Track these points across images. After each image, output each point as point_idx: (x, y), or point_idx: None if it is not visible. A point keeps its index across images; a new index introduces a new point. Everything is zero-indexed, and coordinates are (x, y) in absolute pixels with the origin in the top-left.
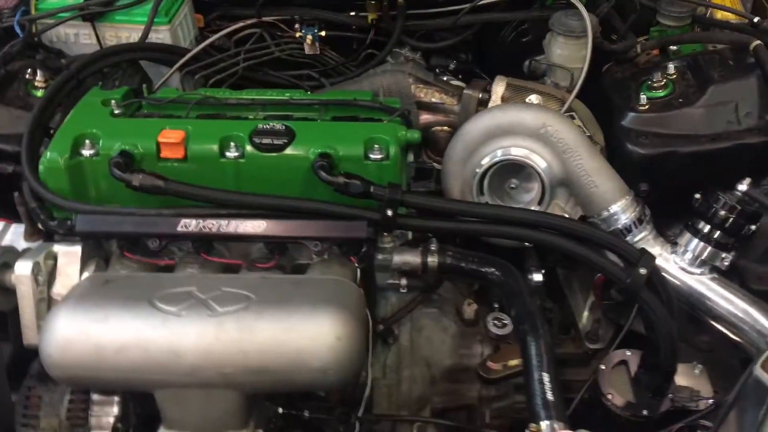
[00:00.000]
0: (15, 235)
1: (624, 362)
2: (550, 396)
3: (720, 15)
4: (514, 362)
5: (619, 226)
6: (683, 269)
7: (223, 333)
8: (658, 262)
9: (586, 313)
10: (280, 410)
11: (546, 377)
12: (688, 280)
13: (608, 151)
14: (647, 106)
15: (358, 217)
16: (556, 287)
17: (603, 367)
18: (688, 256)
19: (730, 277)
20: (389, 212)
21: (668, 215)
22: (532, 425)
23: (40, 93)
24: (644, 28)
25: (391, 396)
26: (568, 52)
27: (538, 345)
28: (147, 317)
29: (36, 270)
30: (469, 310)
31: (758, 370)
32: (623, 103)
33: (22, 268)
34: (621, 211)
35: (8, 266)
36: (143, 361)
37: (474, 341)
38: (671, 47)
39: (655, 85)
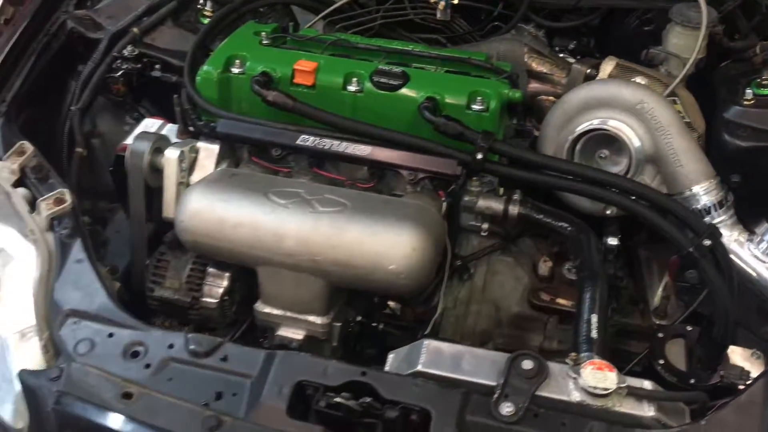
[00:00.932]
0: (169, 132)
1: (682, 335)
2: (594, 334)
3: None
4: (563, 301)
5: (699, 206)
6: (756, 257)
7: (319, 227)
8: (733, 247)
9: (659, 292)
10: (359, 318)
11: (594, 318)
12: (759, 268)
13: (707, 140)
14: (752, 101)
15: (451, 156)
16: (636, 268)
17: (661, 335)
18: (764, 245)
19: None
20: (479, 156)
21: (757, 211)
22: (572, 354)
23: (206, 20)
24: None
25: (457, 326)
26: (684, 42)
27: (594, 291)
28: (260, 204)
29: (181, 157)
30: (545, 266)
31: None
32: (729, 97)
33: (171, 154)
34: (703, 192)
35: (160, 151)
36: (252, 239)
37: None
38: None
39: (764, 82)
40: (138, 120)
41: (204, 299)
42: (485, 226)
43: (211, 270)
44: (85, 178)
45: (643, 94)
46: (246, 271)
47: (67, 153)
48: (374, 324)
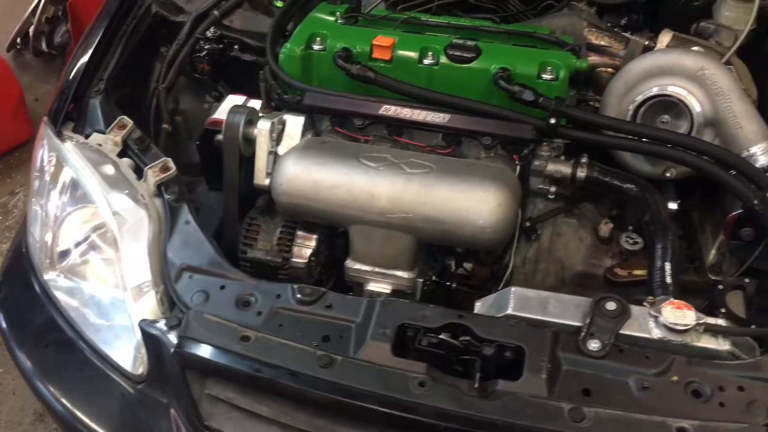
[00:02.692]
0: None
1: (741, 287)
2: (669, 280)
3: None
4: (639, 272)
5: (758, 165)
6: None
7: (409, 186)
8: None
9: (713, 250)
10: (434, 277)
11: (668, 266)
12: None
13: (759, 108)
14: None
15: (525, 122)
16: (690, 230)
17: (721, 287)
18: None
19: None
20: (552, 121)
21: None
22: (650, 297)
23: (279, 4)
24: None
25: (526, 282)
26: (736, 14)
27: (665, 242)
28: (354, 167)
29: (272, 128)
30: (605, 228)
31: None
32: None
33: (263, 125)
34: (761, 152)
35: (252, 122)
36: (347, 199)
37: (605, 255)
38: None
39: None
40: (217, 99)
41: (293, 259)
42: (553, 189)
43: (299, 233)
44: (170, 153)
45: (704, 61)
46: (330, 234)
47: (154, 128)
48: (447, 284)
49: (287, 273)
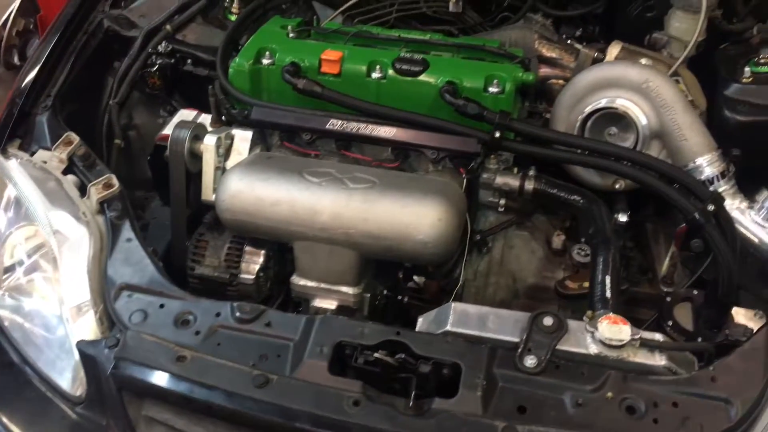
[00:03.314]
0: (203, 121)
1: (689, 298)
2: (608, 294)
3: None
4: (588, 284)
5: (703, 177)
6: (757, 223)
7: (351, 202)
8: (735, 214)
9: (666, 261)
10: (385, 291)
11: (608, 279)
12: (759, 232)
13: (709, 117)
14: (750, 79)
15: (471, 135)
16: (643, 241)
17: (669, 299)
18: (764, 212)
19: None
20: (497, 134)
21: (758, 181)
22: (589, 312)
23: (233, 17)
24: (766, 13)
25: (477, 296)
26: (685, 26)
27: (606, 255)
28: (296, 183)
29: (218, 143)
30: (558, 240)
31: None
32: (729, 75)
33: (210, 140)
34: (706, 164)
35: (199, 138)
36: (290, 215)
37: (558, 267)
38: None
39: (761, 61)
40: (171, 113)
41: (241, 275)
42: (502, 201)
43: (247, 248)
44: (122, 168)
45: (648, 74)
46: (279, 249)
47: (106, 144)
48: (399, 297)
49: (236, 289)
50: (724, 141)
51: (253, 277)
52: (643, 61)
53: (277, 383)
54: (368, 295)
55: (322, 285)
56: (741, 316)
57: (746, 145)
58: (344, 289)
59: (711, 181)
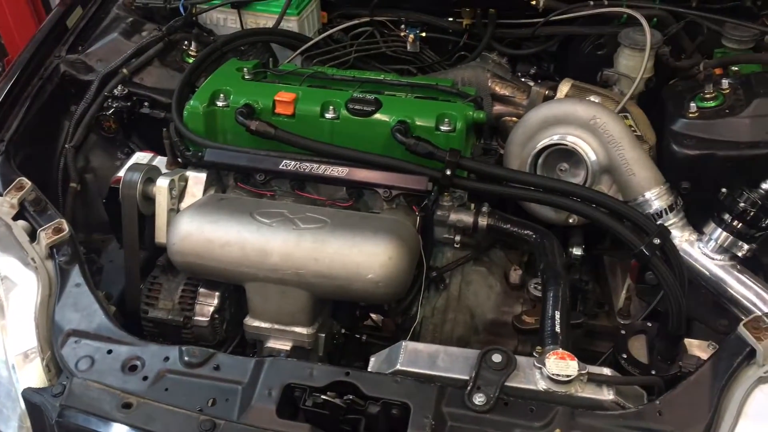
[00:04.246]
0: (159, 164)
1: (643, 331)
2: (557, 329)
3: None
4: None
5: (652, 210)
6: (706, 255)
7: (302, 242)
8: (684, 246)
9: (622, 294)
10: (343, 330)
11: (557, 315)
12: (708, 264)
13: (658, 151)
14: (696, 114)
15: (422, 173)
16: (601, 273)
17: (624, 332)
18: (712, 244)
19: (755, 273)
20: (448, 172)
21: (707, 213)
22: (538, 348)
23: (191, 60)
24: (712, 49)
25: (435, 333)
26: (633, 63)
27: (556, 290)
28: (247, 224)
29: (171, 186)
30: (515, 275)
31: (741, 328)
32: (676, 110)
33: (162, 182)
34: (655, 197)
35: (152, 181)
36: (240, 256)
37: (516, 302)
38: (733, 67)
39: (706, 96)
40: (129, 155)
41: (196, 318)
42: (458, 238)
43: (201, 290)
44: (80, 211)
45: (596, 111)
46: (234, 291)
47: (62, 188)
48: (358, 336)
49: (191, 332)
50: (674, 174)
51: (208, 319)
52: (592, 98)
53: (224, 429)
54: (323, 335)
55: (276, 326)
56: (695, 347)
57: (694, 178)
58: (298, 329)
59: (659, 215)
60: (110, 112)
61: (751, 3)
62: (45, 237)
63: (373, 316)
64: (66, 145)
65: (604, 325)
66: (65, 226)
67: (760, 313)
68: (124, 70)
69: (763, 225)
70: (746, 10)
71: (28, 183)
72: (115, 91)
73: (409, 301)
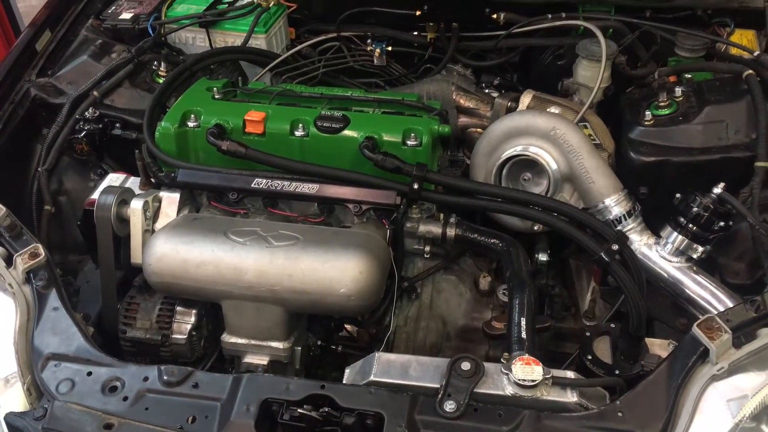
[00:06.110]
0: (132, 185)
1: (607, 332)
2: (523, 335)
3: (734, 51)
4: None
5: (611, 216)
6: (663, 257)
7: (275, 260)
8: (643, 250)
9: (588, 296)
10: (319, 342)
11: (523, 321)
12: (666, 267)
13: (617, 158)
14: (651, 122)
15: (390, 188)
16: (568, 276)
17: (588, 334)
18: (669, 247)
19: (711, 273)
20: (415, 185)
21: (664, 217)
22: (506, 354)
23: (161, 80)
24: (666, 58)
25: (409, 342)
26: (590, 73)
27: (522, 298)
28: (221, 243)
29: (145, 207)
30: (484, 282)
31: (695, 328)
32: (632, 119)
33: (136, 204)
34: (614, 204)
35: (126, 203)
36: (215, 275)
37: (486, 308)
38: (686, 75)
39: (661, 104)
40: (102, 176)
41: (174, 336)
42: (427, 248)
43: (178, 308)
44: (55, 234)
45: (555, 122)
46: (211, 308)
47: (37, 211)
48: (333, 347)
49: (169, 350)
50: (632, 181)
51: (186, 336)
52: (553, 109)
53: None
54: (299, 348)
55: (252, 341)
56: (656, 346)
57: (651, 184)
58: (274, 344)
59: (619, 220)
60: (82, 134)
61: (702, 12)
62: (21, 262)
63: (347, 327)
64: (39, 169)
65: (571, 327)
66: (41, 250)
67: (713, 314)
68: (95, 93)
69: (716, 228)
70: (698, 19)
71: (2, 208)
72: (86, 113)
73: (382, 311)
